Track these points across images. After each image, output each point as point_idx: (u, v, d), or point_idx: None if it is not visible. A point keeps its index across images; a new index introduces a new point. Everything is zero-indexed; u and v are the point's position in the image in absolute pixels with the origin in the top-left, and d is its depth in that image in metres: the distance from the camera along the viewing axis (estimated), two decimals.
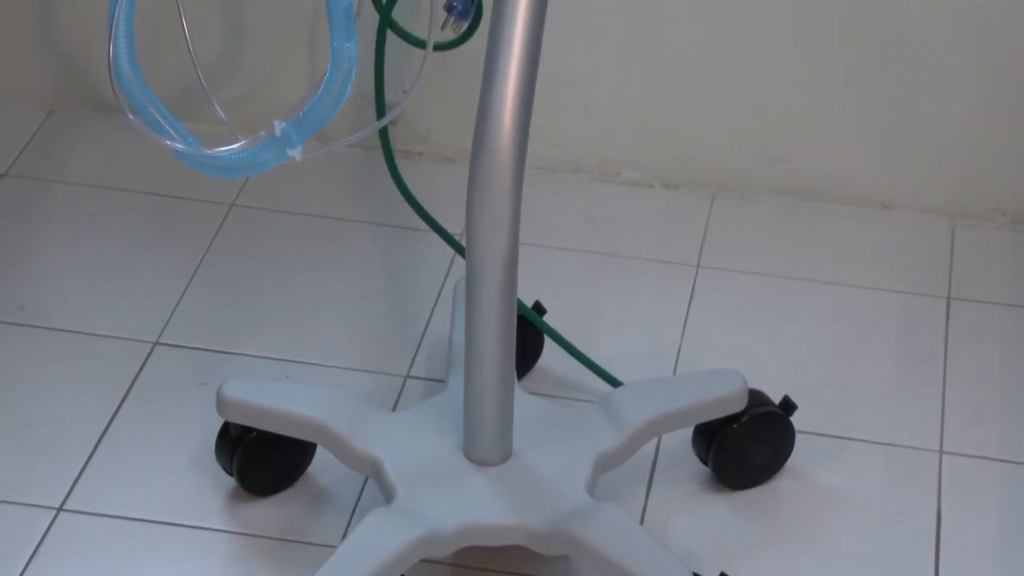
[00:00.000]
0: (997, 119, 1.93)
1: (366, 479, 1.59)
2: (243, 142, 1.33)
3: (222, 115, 1.35)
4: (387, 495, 1.47)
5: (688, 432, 1.61)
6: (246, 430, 1.55)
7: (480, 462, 1.48)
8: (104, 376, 1.71)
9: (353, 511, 1.57)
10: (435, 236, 1.65)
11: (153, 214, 1.94)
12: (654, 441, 1.64)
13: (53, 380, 1.70)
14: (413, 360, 1.75)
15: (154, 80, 1.36)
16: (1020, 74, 1.90)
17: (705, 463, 1.60)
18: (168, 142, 1.32)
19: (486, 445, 1.47)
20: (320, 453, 1.59)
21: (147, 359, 1.73)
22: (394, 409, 1.69)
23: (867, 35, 1.91)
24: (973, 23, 1.88)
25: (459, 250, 1.66)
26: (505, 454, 1.48)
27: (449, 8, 1.40)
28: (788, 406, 1.60)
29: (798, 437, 1.62)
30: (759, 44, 1.93)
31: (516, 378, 1.49)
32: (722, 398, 1.56)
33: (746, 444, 1.58)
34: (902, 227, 1.97)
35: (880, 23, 1.90)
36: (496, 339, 1.41)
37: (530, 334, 1.70)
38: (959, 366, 1.76)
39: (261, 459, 1.56)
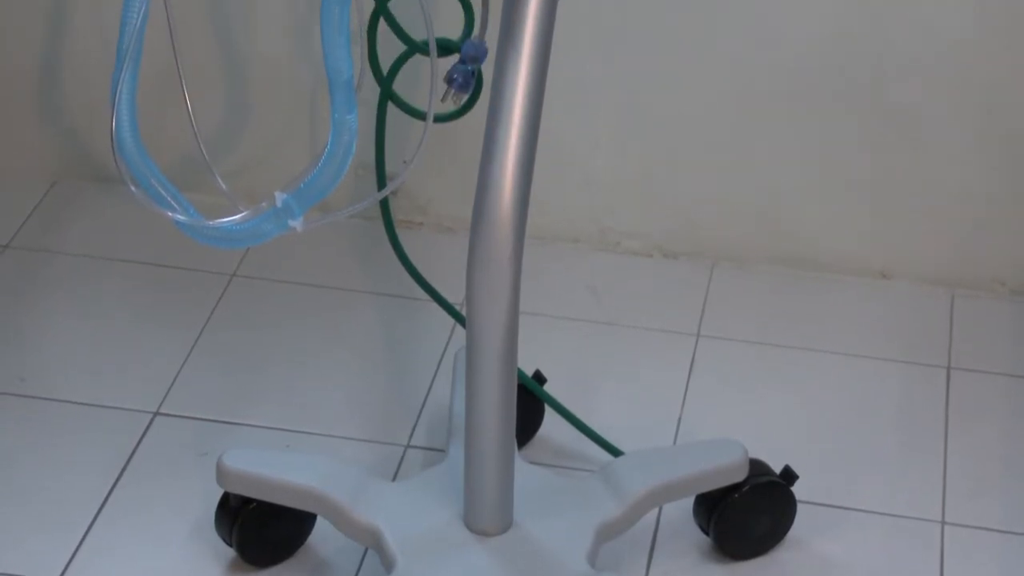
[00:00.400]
0: (996, 190, 1.93)
1: (366, 549, 1.59)
2: (244, 213, 1.33)
3: (223, 186, 1.35)
4: (387, 566, 1.46)
5: (689, 502, 1.60)
6: (246, 500, 1.54)
7: (481, 532, 1.48)
8: (104, 446, 1.71)
9: None
10: (435, 306, 1.66)
11: (154, 284, 1.95)
12: (655, 511, 1.63)
13: (53, 450, 1.70)
14: (413, 429, 1.75)
15: (156, 151, 1.37)
16: (1018, 145, 1.91)
17: (706, 533, 1.60)
18: (170, 213, 1.32)
19: (487, 515, 1.47)
20: (320, 523, 1.59)
21: (147, 429, 1.73)
22: (394, 479, 1.68)
23: (866, 105, 1.92)
24: (971, 94, 1.89)
25: (459, 320, 1.66)
26: (506, 524, 1.48)
27: (449, 80, 1.41)
28: (789, 476, 1.60)
29: (799, 507, 1.62)
30: (758, 115, 1.94)
31: (516, 447, 1.49)
32: (723, 468, 1.55)
33: (747, 514, 1.58)
34: (901, 297, 1.97)
35: (878, 94, 1.91)
36: (496, 408, 1.41)
37: (530, 403, 1.70)
38: (960, 436, 1.76)
39: (261, 530, 1.56)
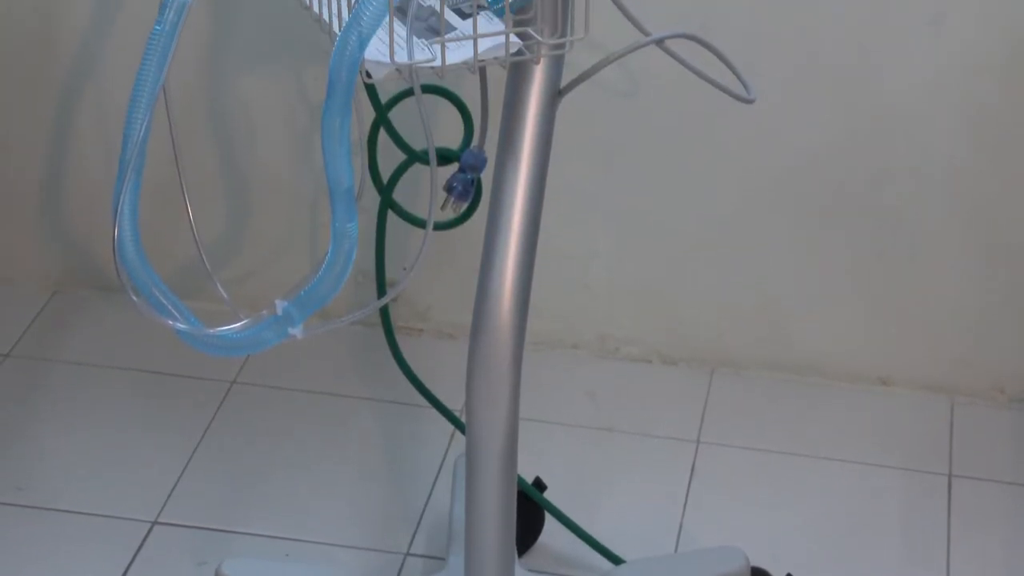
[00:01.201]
0: (993, 297, 1.94)
1: None
2: (245, 321, 1.33)
3: (224, 294, 1.36)
4: None
5: None
6: None
7: None
8: (102, 556, 1.70)
9: None
10: (435, 412, 1.65)
11: (154, 393, 1.94)
12: None
13: (51, 560, 1.69)
14: (413, 537, 1.74)
15: (157, 258, 1.38)
16: (1015, 253, 1.92)
17: None
18: (171, 322, 1.33)
19: None
20: None
21: (146, 538, 1.72)
22: None
23: (862, 214, 1.92)
24: (967, 203, 1.90)
25: (459, 426, 1.66)
26: None
27: (449, 189, 1.42)
28: None
29: None
30: (756, 224, 1.95)
31: (517, 555, 1.48)
32: None
33: None
34: (901, 404, 1.97)
35: (875, 203, 1.92)
36: (496, 516, 1.41)
37: (530, 510, 1.70)
38: (962, 544, 1.75)
39: None
